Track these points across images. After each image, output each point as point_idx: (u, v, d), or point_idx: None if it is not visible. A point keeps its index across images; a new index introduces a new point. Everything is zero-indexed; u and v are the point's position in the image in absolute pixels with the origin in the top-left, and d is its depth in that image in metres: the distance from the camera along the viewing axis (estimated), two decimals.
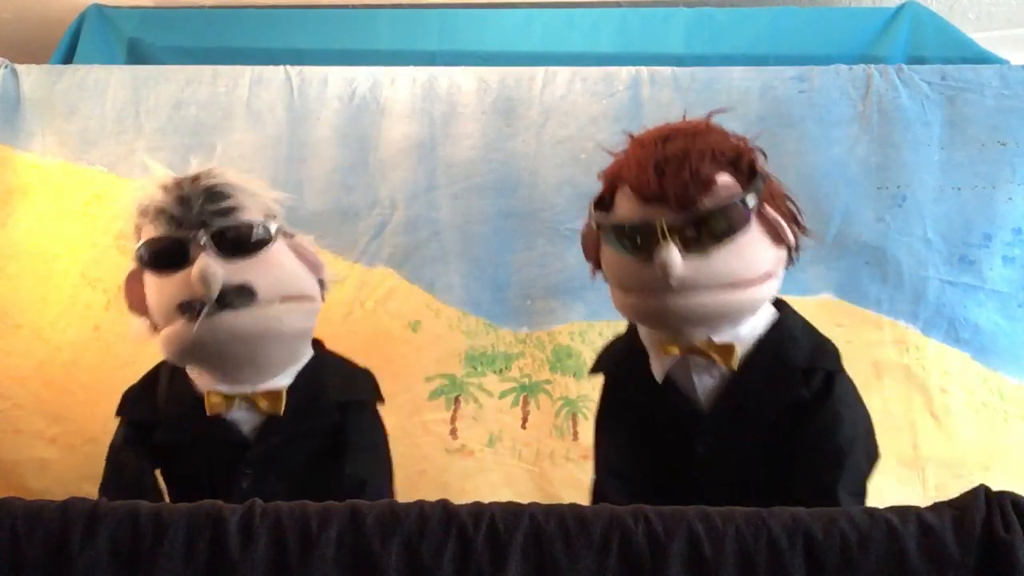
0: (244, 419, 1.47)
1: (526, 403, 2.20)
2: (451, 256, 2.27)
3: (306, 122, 2.33)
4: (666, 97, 2.30)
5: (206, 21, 2.60)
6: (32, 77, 2.38)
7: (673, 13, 2.52)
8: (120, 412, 1.54)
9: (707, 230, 1.29)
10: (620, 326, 2.24)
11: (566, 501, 1.07)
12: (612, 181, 1.41)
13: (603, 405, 1.60)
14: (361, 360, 1.64)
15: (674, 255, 1.26)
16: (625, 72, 2.33)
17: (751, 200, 1.32)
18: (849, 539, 1.00)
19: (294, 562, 0.99)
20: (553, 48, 2.50)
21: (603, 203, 1.42)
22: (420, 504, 1.05)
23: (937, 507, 1.04)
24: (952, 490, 1.12)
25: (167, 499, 1.52)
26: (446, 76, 2.37)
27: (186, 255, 1.38)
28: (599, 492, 1.50)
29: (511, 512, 1.03)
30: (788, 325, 1.42)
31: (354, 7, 2.64)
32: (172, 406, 1.50)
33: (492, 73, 2.37)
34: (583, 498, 1.50)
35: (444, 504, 1.05)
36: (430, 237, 2.28)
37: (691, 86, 2.31)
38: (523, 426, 2.19)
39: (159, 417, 1.50)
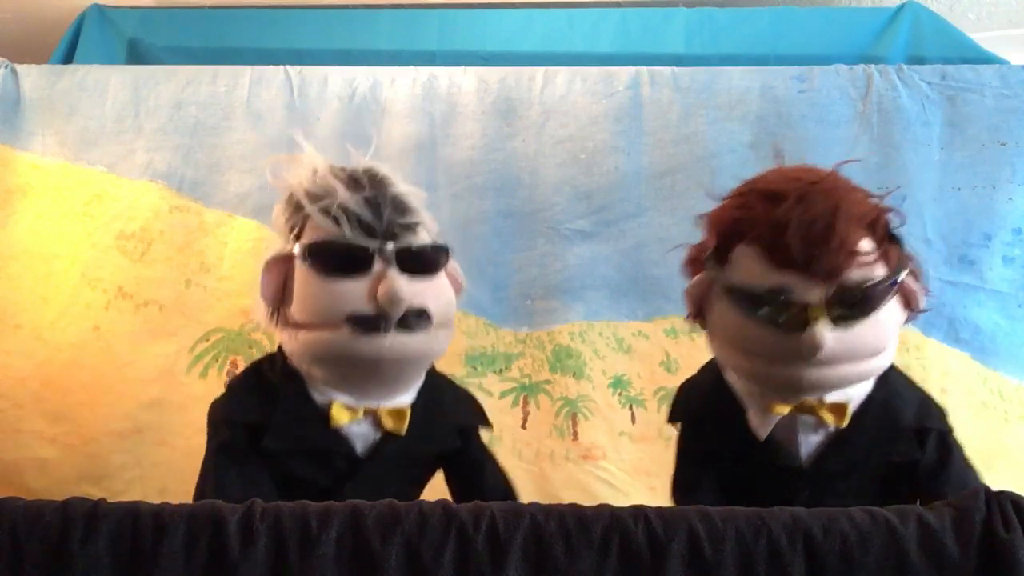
0: (360, 434, 1.38)
1: (526, 403, 2.20)
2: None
3: (306, 122, 2.33)
4: (666, 97, 2.31)
5: (206, 21, 2.61)
6: (32, 77, 2.39)
7: (673, 13, 2.52)
8: (229, 413, 1.40)
9: (854, 304, 1.20)
10: (620, 327, 2.25)
11: (566, 501, 1.07)
12: (730, 236, 1.28)
13: (685, 456, 1.49)
14: None
15: (826, 335, 1.17)
16: (625, 72, 2.34)
17: (902, 276, 1.24)
18: (849, 539, 1.00)
19: (294, 562, 0.99)
20: (553, 48, 2.51)
21: (717, 257, 1.30)
22: (420, 504, 1.04)
23: (937, 507, 1.04)
24: None
25: None
26: (446, 76, 2.37)
27: (369, 265, 1.30)
28: None
29: (511, 512, 1.03)
30: (893, 382, 1.36)
31: (354, 7, 2.64)
32: (287, 412, 1.37)
33: (492, 73, 2.37)
34: (583, 498, 1.49)
35: (444, 504, 1.04)
36: None
37: (691, 86, 2.32)
38: (523, 426, 2.18)
39: (269, 421, 1.36)
